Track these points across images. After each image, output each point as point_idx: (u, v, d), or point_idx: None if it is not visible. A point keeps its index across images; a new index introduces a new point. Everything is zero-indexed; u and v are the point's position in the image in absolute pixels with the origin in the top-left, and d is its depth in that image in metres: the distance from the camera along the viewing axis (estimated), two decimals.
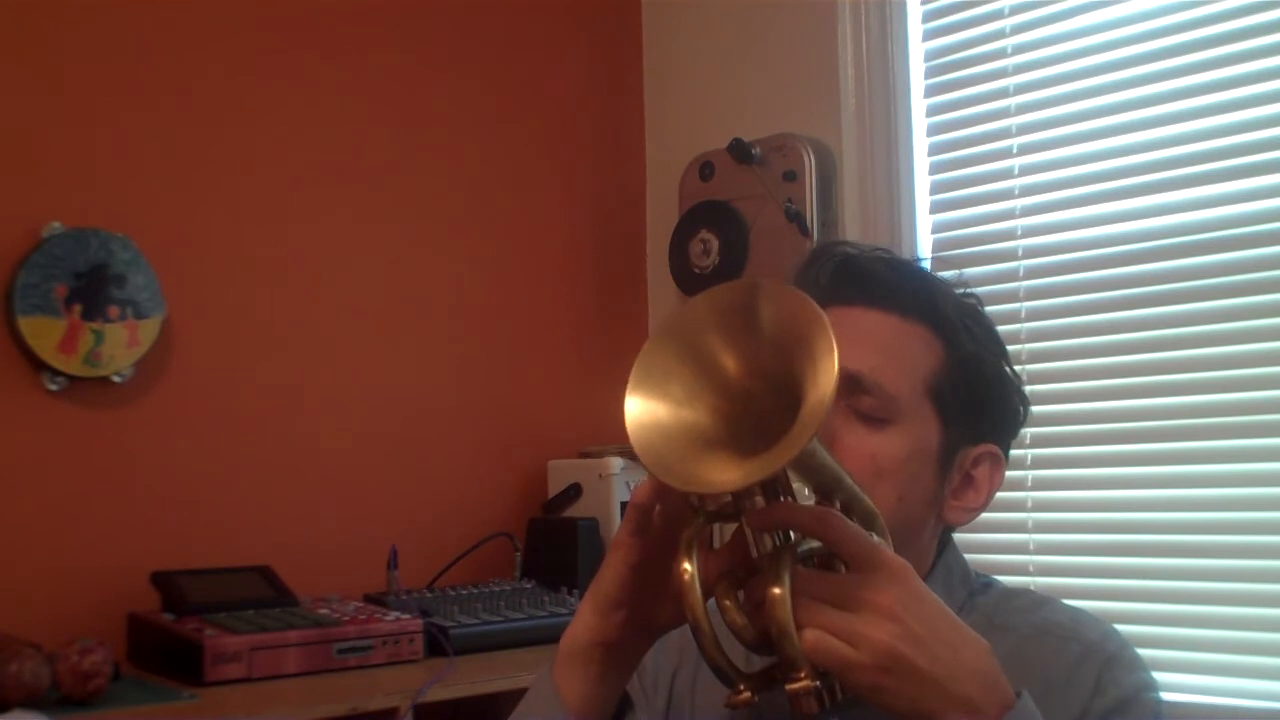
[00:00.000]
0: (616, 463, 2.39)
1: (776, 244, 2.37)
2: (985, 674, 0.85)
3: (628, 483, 2.38)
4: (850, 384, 1.03)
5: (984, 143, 2.22)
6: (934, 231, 2.30)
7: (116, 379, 2.05)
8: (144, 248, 2.07)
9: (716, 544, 0.93)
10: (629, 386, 0.85)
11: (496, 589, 2.21)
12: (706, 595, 0.86)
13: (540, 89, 2.66)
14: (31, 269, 1.97)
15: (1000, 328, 1.16)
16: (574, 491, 2.43)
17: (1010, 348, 1.16)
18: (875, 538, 0.90)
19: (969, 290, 1.15)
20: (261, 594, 2.00)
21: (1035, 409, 1.17)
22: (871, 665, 0.81)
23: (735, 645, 0.87)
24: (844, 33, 2.38)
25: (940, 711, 0.82)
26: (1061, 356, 2.07)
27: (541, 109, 2.66)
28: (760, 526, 0.87)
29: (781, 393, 0.81)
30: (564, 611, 2.13)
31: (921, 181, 2.31)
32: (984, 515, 1.12)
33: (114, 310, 2.03)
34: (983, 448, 1.10)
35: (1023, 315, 2.11)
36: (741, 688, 0.86)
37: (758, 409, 0.83)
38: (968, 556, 1.15)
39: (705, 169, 2.51)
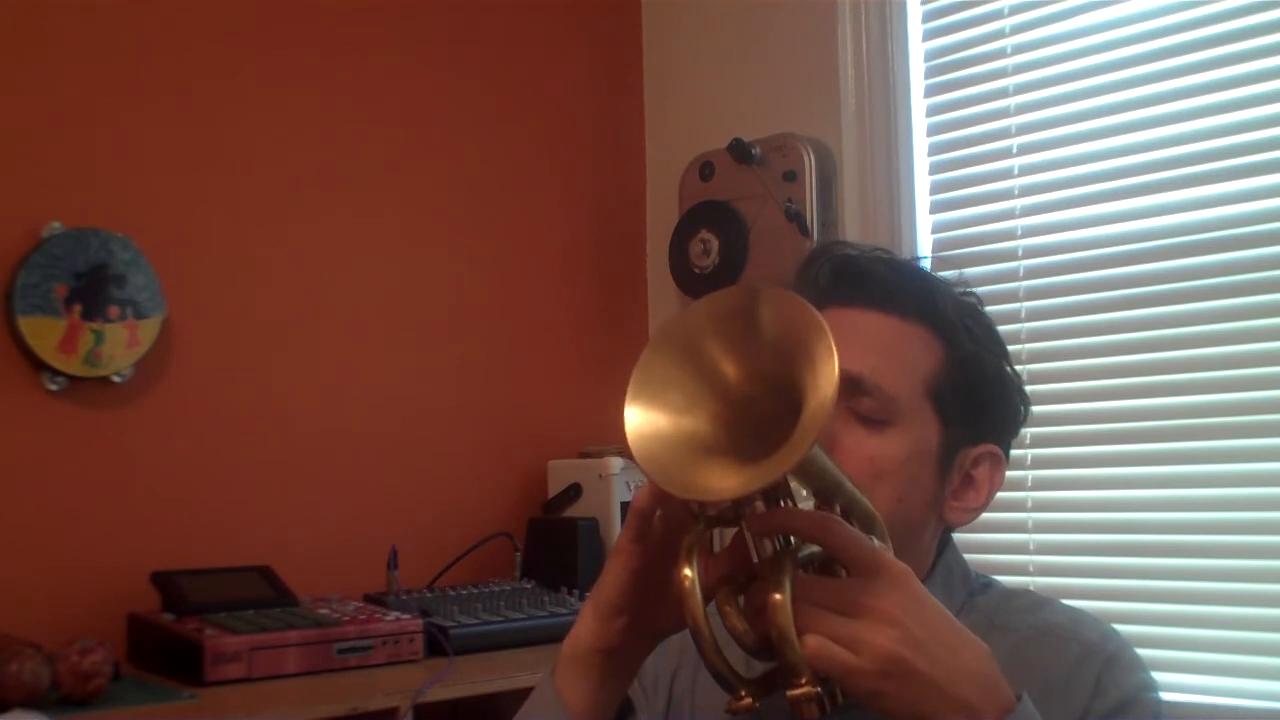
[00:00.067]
0: (616, 463, 2.39)
1: (776, 244, 2.37)
2: (985, 677, 0.85)
3: (628, 483, 2.38)
4: (850, 386, 1.03)
5: (984, 143, 2.21)
6: (934, 231, 2.30)
7: (116, 379, 2.05)
8: (144, 248, 2.07)
9: (716, 547, 0.93)
10: (628, 395, 0.85)
11: (496, 589, 2.21)
12: (707, 600, 0.86)
13: (540, 89, 2.66)
14: (31, 269, 1.97)
15: (1000, 328, 1.15)
16: (574, 491, 2.43)
17: (1010, 348, 1.15)
18: (875, 541, 0.90)
19: (969, 289, 1.15)
20: (261, 594, 2.00)
21: (1035, 409, 1.17)
22: (873, 671, 0.81)
23: (735, 649, 0.87)
24: (844, 33, 2.38)
25: (940, 715, 0.82)
26: (1061, 356, 2.07)
27: (541, 109, 2.66)
28: (761, 532, 0.87)
29: (781, 399, 0.81)
30: (564, 611, 2.13)
31: (921, 181, 2.31)
32: (984, 515, 1.12)
33: (114, 310, 2.03)
34: (983, 448, 1.10)
35: (1023, 315, 2.11)
36: (743, 694, 0.86)
37: (758, 415, 0.83)
38: (968, 557, 1.15)
39: (705, 169, 2.51)
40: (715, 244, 2.47)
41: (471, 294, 2.52)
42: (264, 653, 1.79)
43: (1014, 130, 2.17)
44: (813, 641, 0.81)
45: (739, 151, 2.42)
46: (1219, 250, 1.90)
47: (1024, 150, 2.15)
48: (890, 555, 0.87)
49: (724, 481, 0.81)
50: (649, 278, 2.76)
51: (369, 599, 2.13)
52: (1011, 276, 2.14)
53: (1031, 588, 2.02)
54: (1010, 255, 2.15)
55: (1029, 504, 2.08)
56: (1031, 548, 2.08)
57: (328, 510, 2.28)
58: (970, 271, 2.00)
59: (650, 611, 0.94)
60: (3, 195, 1.99)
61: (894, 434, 1.04)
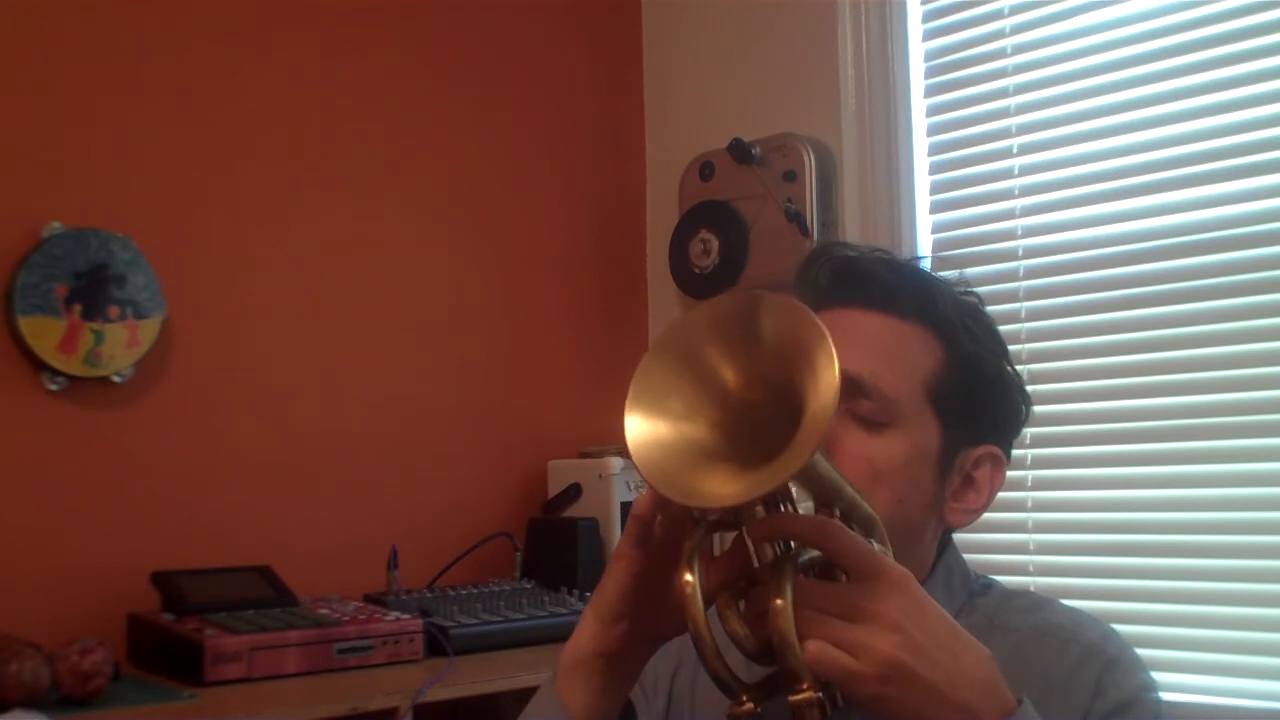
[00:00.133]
0: (616, 463, 2.38)
1: (776, 244, 2.37)
2: (986, 681, 0.85)
3: (628, 483, 2.38)
4: (849, 387, 1.02)
5: (984, 143, 2.21)
6: (934, 231, 2.30)
7: (116, 379, 2.05)
8: (144, 248, 2.07)
9: (717, 550, 0.93)
10: (628, 403, 0.85)
11: (496, 589, 2.21)
12: (708, 605, 0.86)
13: (540, 89, 2.66)
14: (31, 269, 1.97)
15: (1000, 328, 1.15)
16: (574, 491, 2.43)
17: (1010, 348, 1.15)
18: (875, 545, 0.90)
19: (969, 289, 1.15)
20: (261, 594, 2.00)
21: (1035, 409, 1.17)
22: (874, 675, 0.81)
23: (735, 653, 0.87)
24: (844, 33, 2.38)
25: (941, 719, 0.82)
26: (1061, 356, 2.07)
27: (541, 109, 2.66)
28: (761, 537, 0.87)
29: (782, 405, 0.81)
30: (564, 612, 2.13)
31: (921, 181, 2.31)
32: (984, 516, 1.12)
33: (114, 310, 2.03)
34: (983, 449, 1.10)
35: (1023, 315, 2.11)
36: (744, 699, 0.86)
37: (758, 421, 0.83)
38: (968, 557, 1.15)
39: (705, 169, 2.51)
40: (715, 244, 2.47)
41: (471, 294, 2.52)
42: (264, 653, 1.79)
43: (1014, 130, 2.17)
44: (813, 646, 0.81)
45: (739, 151, 2.42)
46: (1219, 250, 1.90)
47: (1024, 150, 2.15)
48: (890, 560, 0.87)
49: (725, 488, 0.81)
50: (649, 278, 2.76)
51: (369, 599, 2.13)
52: (1011, 276, 2.14)
53: (1031, 588, 2.03)
54: (1010, 255, 2.15)
55: (1029, 504, 2.08)
56: (1031, 548, 2.08)
57: (328, 510, 2.28)
58: (970, 271, 1.99)
59: (651, 616, 0.94)
60: (3, 195, 1.99)
61: (894, 436, 1.04)
